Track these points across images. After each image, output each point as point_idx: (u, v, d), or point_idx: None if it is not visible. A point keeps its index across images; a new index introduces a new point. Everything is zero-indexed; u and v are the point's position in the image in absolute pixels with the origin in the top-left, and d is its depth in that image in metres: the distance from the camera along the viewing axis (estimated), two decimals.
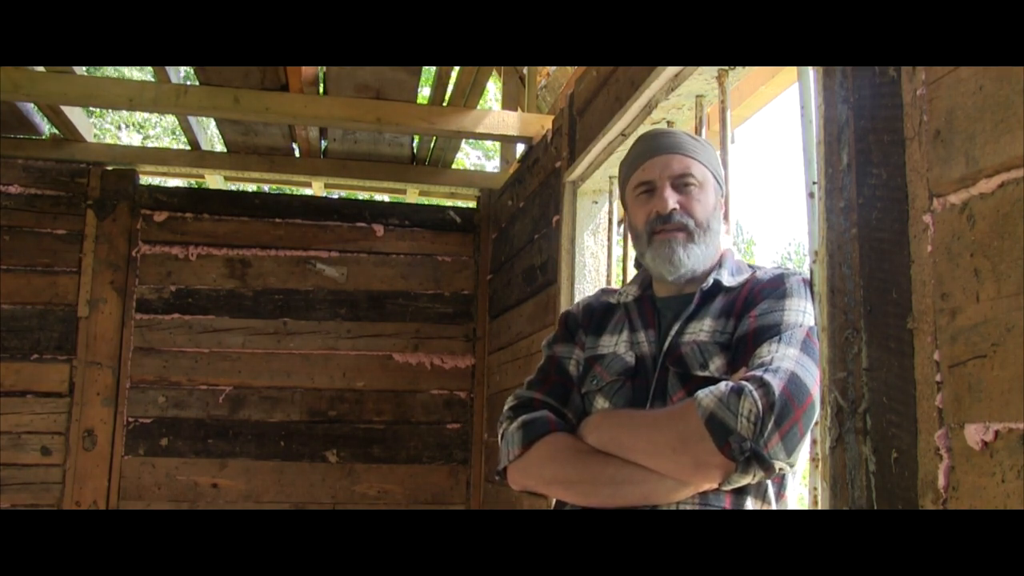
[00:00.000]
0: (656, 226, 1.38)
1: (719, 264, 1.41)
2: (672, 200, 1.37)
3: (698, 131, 1.86)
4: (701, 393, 1.17)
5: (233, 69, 2.79)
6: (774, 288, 1.30)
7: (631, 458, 1.22)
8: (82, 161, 3.41)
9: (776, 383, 1.13)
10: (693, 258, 1.37)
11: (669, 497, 1.21)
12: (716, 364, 1.27)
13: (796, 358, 1.17)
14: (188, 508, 3.30)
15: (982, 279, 0.78)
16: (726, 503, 1.22)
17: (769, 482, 1.26)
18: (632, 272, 1.63)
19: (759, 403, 1.12)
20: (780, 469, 1.14)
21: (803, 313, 1.25)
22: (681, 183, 1.38)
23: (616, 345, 1.41)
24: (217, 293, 3.47)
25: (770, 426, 1.11)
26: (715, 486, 1.18)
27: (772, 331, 1.22)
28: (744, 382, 1.15)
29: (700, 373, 1.27)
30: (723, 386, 1.16)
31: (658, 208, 1.38)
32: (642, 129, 2.03)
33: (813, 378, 1.16)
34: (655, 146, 1.43)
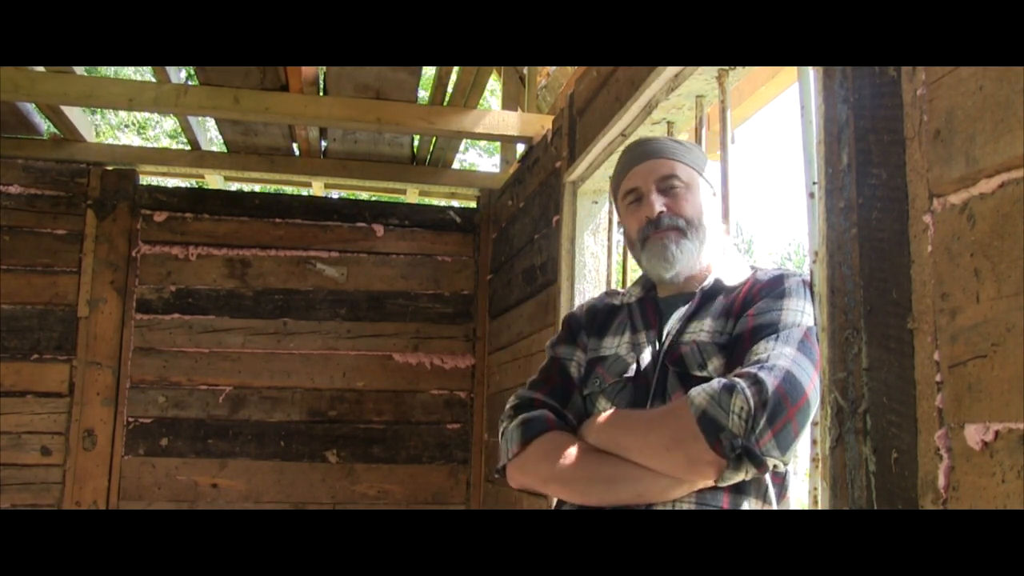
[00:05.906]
0: (648, 231, 1.40)
1: (721, 264, 1.42)
2: (659, 204, 1.39)
3: (698, 131, 1.86)
4: (694, 391, 1.17)
5: (233, 69, 2.80)
6: (773, 288, 1.30)
7: (629, 457, 1.23)
8: (82, 161, 3.41)
9: (770, 380, 1.13)
10: (687, 253, 1.38)
11: (664, 495, 1.21)
12: (715, 364, 1.27)
13: (792, 357, 1.17)
14: (188, 508, 3.30)
15: (982, 279, 0.78)
16: (723, 502, 1.23)
17: (770, 482, 1.27)
18: (632, 276, 1.63)
19: (751, 400, 1.12)
20: (775, 466, 1.15)
21: (801, 313, 1.25)
22: (667, 186, 1.40)
23: (618, 347, 1.42)
24: (217, 293, 3.47)
25: (762, 423, 1.12)
26: (711, 483, 1.19)
27: (769, 330, 1.23)
28: (737, 379, 1.15)
29: (698, 373, 1.27)
30: (716, 383, 1.16)
31: (647, 214, 1.40)
32: (642, 129, 2.04)
33: (809, 377, 1.16)
34: (638, 154, 1.45)
